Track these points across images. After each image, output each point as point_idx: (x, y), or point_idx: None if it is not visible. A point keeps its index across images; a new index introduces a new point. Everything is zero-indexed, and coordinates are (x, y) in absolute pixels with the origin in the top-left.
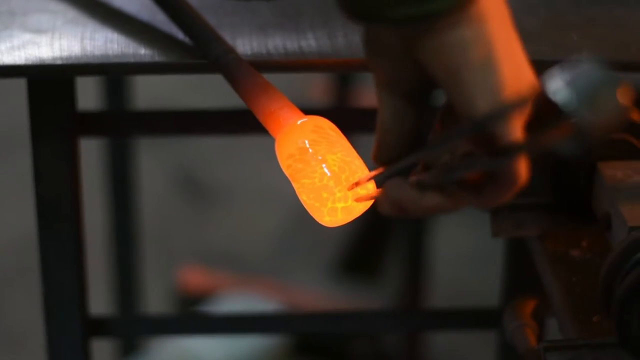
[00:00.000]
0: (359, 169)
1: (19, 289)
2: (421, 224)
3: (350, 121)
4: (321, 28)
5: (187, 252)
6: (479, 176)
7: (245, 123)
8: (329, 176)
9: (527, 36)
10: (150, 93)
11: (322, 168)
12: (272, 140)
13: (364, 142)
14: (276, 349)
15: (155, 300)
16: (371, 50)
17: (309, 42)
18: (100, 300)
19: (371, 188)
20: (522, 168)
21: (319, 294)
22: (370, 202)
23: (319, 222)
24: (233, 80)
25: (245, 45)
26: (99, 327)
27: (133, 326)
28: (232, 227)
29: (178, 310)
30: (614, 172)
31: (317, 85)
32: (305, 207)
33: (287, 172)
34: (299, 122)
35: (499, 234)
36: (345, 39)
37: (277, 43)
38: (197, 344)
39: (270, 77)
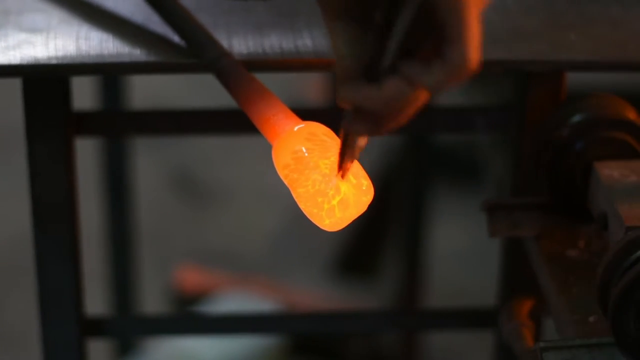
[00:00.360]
0: (352, 167)
1: (15, 288)
2: (418, 223)
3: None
4: (317, 27)
5: (184, 251)
6: (428, 54)
7: (241, 123)
8: (321, 180)
9: (525, 36)
10: (146, 93)
11: (314, 174)
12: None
13: None
14: (273, 349)
15: (151, 300)
16: None
17: (305, 42)
18: (96, 300)
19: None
20: (470, 46)
21: (316, 293)
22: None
23: (321, 227)
24: (228, 85)
25: (241, 44)
26: (94, 327)
27: (129, 326)
28: (228, 227)
29: (174, 310)
30: (611, 171)
31: (312, 84)
32: (306, 215)
33: (285, 182)
34: (293, 129)
35: (496, 234)
36: None
37: (273, 42)
38: (193, 344)
39: (266, 77)
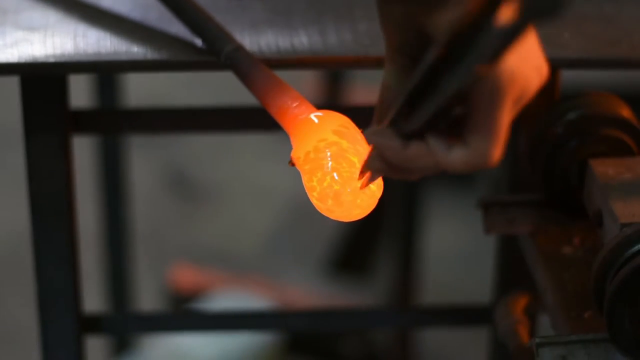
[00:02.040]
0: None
1: (13, 286)
2: (412, 221)
3: None
4: (313, 25)
5: (179, 250)
6: (455, 137)
7: (237, 121)
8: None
9: None
10: (143, 91)
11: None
12: (265, 139)
13: None
14: (268, 347)
15: (147, 298)
16: (384, 19)
17: (301, 40)
18: (92, 298)
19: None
20: (493, 141)
21: (310, 291)
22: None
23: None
24: (245, 77)
25: None
26: (92, 323)
27: (126, 323)
28: (224, 225)
29: (170, 308)
30: (606, 169)
31: (308, 82)
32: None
33: (306, 165)
34: (325, 114)
35: (491, 231)
36: (337, 36)
37: (269, 40)
38: (189, 342)
39: None
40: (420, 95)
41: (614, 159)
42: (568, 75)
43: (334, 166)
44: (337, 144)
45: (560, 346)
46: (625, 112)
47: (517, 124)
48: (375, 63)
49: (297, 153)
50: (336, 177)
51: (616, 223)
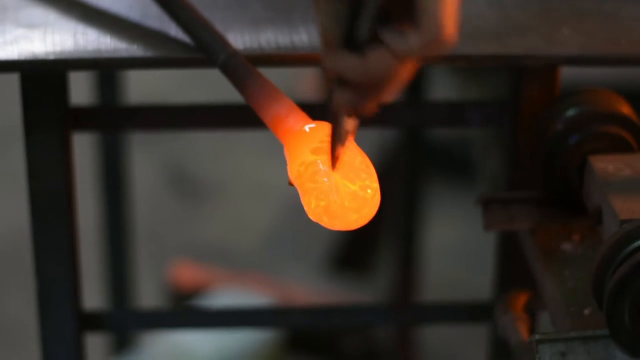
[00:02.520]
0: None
1: (13, 283)
2: (412, 218)
3: None
4: (313, 22)
5: (179, 247)
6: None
7: (238, 118)
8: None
9: (519, 30)
10: (143, 88)
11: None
12: (265, 136)
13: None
14: (268, 345)
15: (147, 296)
16: None
17: (301, 37)
18: (92, 296)
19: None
20: (442, 16)
21: (311, 288)
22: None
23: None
24: (239, 85)
25: (237, 39)
26: (92, 321)
27: (126, 320)
28: (224, 223)
29: (170, 306)
30: (605, 165)
31: (307, 79)
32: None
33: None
34: (306, 130)
35: (491, 228)
36: None
37: (269, 37)
38: (189, 339)
39: (261, 72)
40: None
41: (614, 156)
42: (568, 72)
43: (312, 187)
44: (314, 163)
45: (560, 342)
46: (625, 109)
47: (517, 121)
48: None
49: (290, 176)
50: (319, 196)
51: (616, 219)
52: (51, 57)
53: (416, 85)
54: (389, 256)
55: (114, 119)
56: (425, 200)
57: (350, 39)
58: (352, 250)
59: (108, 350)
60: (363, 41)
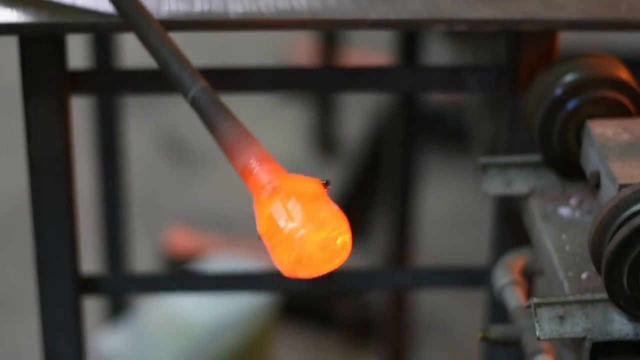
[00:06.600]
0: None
1: (11, 248)
2: (407, 183)
3: (337, 80)
4: None
5: (175, 213)
6: None
7: (235, 82)
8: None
9: None
10: (139, 53)
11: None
12: (262, 101)
13: (352, 100)
14: (263, 309)
15: (142, 261)
16: None
17: (300, 1)
18: (88, 261)
19: None
20: None
21: None
22: None
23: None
24: (210, 124)
25: (236, 3)
26: (90, 284)
27: (123, 284)
28: (219, 189)
29: (165, 271)
30: (604, 130)
31: (303, 44)
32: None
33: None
34: (267, 197)
35: (489, 192)
36: None
37: (268, 1)
38: (184, 303)
39: (259, 35)
40: None
41: (612, 120)
42: (566, 37)
43: (273, 250)
44: (270, 226)
45: (558, 306)
46: (624, 74)
47: (515, 86)
48: (372, 25)
49: (259, 230)
50: (279, 255)
51: (614, 184)
52: (50, 20)
53: (411, 50)
54: (385, 221)
55: (113, 82)
56: (420, 166)
57: None
58: (348, 215)
59: (105, 315)
60: None
